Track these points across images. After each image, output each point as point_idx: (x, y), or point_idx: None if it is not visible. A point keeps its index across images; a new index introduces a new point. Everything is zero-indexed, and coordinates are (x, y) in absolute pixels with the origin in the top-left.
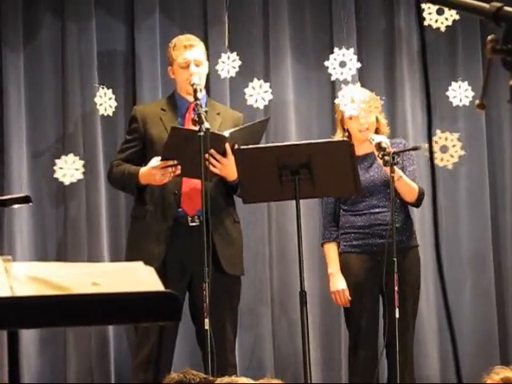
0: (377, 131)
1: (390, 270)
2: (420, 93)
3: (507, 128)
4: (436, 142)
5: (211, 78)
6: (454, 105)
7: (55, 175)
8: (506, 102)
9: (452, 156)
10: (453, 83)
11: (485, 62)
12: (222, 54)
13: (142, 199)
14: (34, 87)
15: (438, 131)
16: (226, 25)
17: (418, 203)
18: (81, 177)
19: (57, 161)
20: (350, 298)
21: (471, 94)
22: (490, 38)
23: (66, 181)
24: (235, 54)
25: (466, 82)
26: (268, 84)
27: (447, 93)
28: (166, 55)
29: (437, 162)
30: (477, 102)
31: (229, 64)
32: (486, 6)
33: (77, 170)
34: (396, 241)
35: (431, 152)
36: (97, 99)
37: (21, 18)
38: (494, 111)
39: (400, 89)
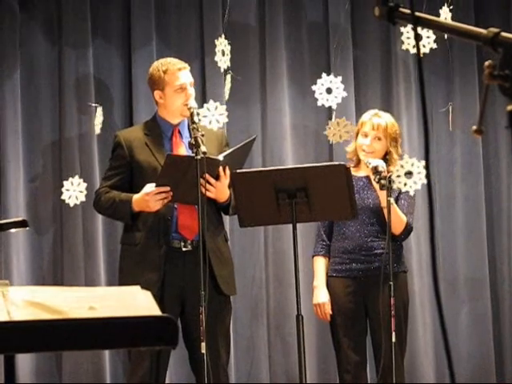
0: (386, 162)
1: (377, 294)
2: (416, 116)
3: (504, 153)
4: (402, 166)
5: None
6: (451, 129)
7: (62, 197)
8: (504, 128)
9: (415, 183)
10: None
11: (481, 87)
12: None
13: (133, 226)
14: (31, 111)
15: (406, 156)
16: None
17: (402, 237)
18: (84, 199)
19: (64, 182)
20: (330, 313)
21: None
22: (487, 63)
23: (71, 203)
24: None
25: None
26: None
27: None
28: (151, 79)
29: (400, 185)
30: (474, 127)
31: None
32: (484, 31)
33: (81, 192)
34: (383, 266)
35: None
36: (95, 120)
37: (18, 44)
38: (491, 136)
39: (396, 112)
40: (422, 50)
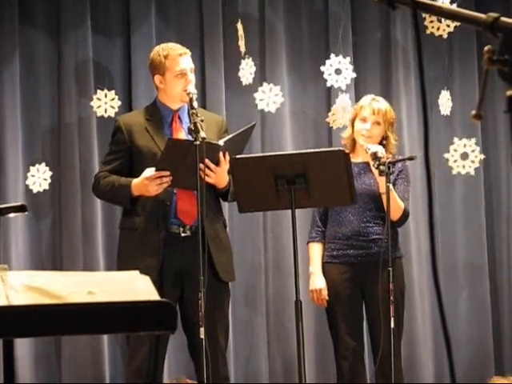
0: (384, 147)
1: (375, 280)
2: (416, 103)
3: (503, 139)
4: (455, 151)
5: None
6: (445, 115)
7: (27, 182)
8: (502, 113)
9: (473, 162)
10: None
11: (481, 73)
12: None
13: (132, 210)
14: (30, 98)
15: (456, 139)
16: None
17: (399, 223)
18: (47, 187)
19: (31, 168)
20: (327, 298)
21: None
22: (486, 48)
23: (35, 189)
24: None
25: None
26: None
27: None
28: (152, 64)
29: (459, 169)
30: (473, 112)
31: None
32: (483, 16)
33: (45, 179)
34: (378, 252)
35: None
36: (94, 102)
37: (16, 31)
38: (490, 124)
39: (395, 99)
40: (447, 30)
